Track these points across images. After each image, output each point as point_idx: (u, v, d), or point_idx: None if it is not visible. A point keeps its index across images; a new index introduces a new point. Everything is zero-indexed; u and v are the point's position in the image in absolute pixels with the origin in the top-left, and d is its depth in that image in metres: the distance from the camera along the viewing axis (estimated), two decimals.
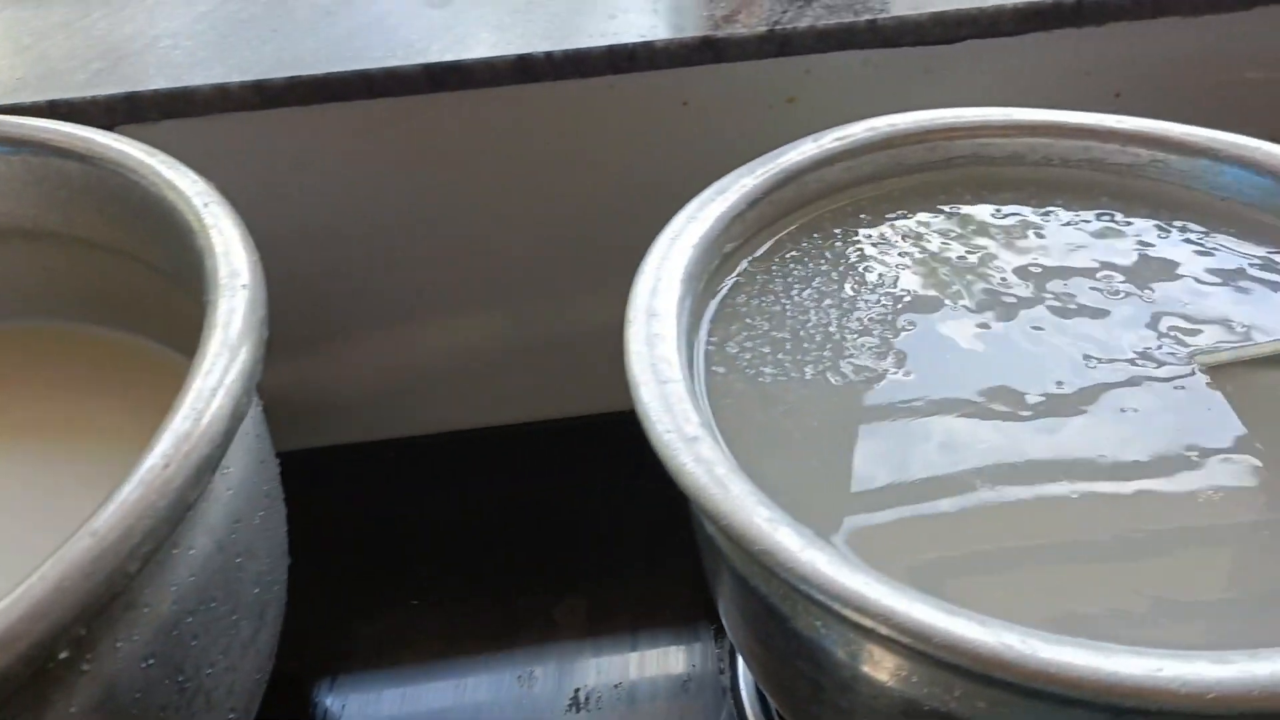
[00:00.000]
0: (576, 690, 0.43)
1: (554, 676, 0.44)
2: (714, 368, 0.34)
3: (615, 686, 0.43)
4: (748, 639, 0.33)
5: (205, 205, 0.34)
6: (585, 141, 0.46)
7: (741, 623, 0.33)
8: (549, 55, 0.43)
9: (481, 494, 0.51)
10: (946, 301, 0.36)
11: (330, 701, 0.44)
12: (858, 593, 0.25)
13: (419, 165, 0.46)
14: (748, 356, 0.34)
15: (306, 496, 0.51)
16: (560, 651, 0.45)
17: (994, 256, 0.38)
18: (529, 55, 0.43)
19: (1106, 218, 0.39)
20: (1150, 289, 0.36)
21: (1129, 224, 0.39)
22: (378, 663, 0.45)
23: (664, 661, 0.44)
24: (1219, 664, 0.23)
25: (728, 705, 0.42)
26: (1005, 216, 0.39)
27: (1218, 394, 0.32)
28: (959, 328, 0.35)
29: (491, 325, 0.52)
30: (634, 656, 0.44)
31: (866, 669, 0.28)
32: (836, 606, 0.25)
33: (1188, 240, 0.38)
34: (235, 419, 0.28)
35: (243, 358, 0.30)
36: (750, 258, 0.38)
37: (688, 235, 0.36)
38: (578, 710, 0.43)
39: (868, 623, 0.25)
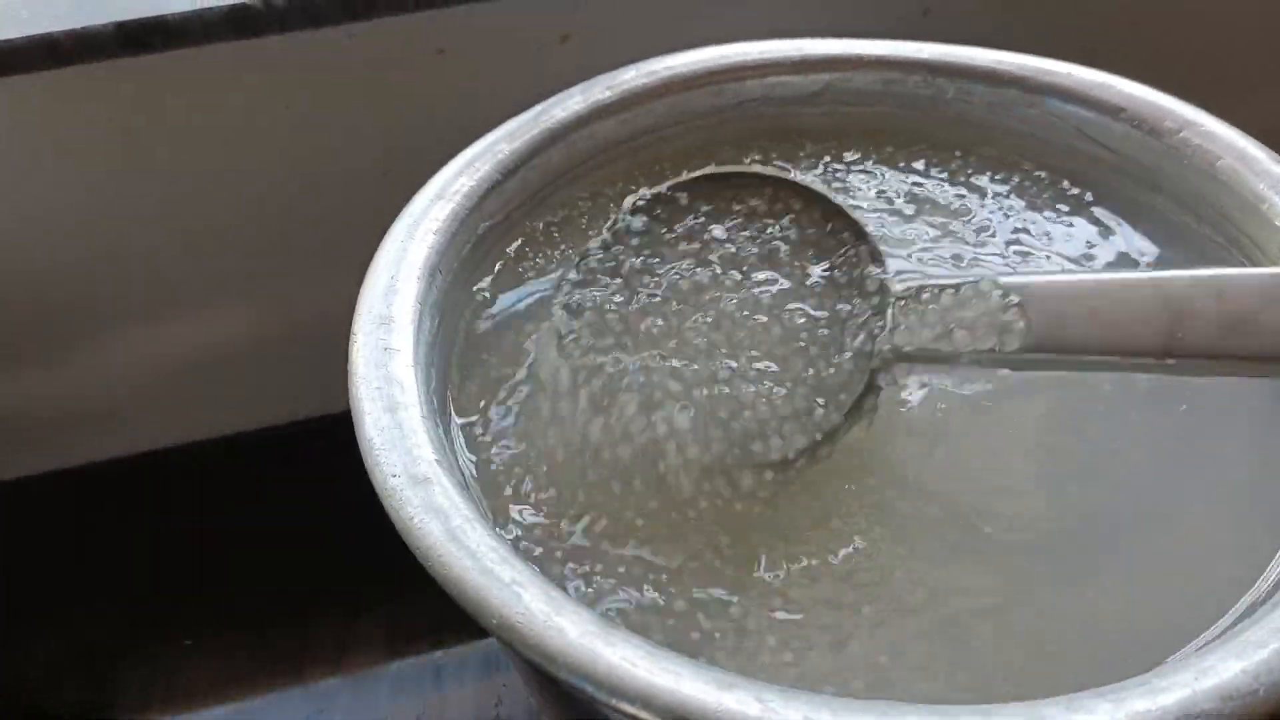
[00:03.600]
0: None
1: (349, 712, 0.39)
2: (468, 382, 0.29)
3: (418, 718, 0.39)
4: (532, 692, 0.29)
5: None
6: (323, 105, 0.40)
7: (523, 677, 0.29)
8: (268, 3, 0.36)
9: (243, 510, 0.45)
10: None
11: None
12: (612, 674, 0.21)
13: (121, 145, 0.39)
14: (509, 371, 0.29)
15: (30, 530, 0.45)
16: (356, 683, 0.40)
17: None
18: (245, 3, 0.36)
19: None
20: None
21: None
22: (145, 713, 0.40)
23: (472, 686, 0.40)
24: None
25: None
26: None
27: None
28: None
29: (227, 322, 0.46)
30: (438, 682, 0.40)
31: None
32: (590, 690, 0.21)
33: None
34: None
35: None
36: (515, 240, 0.33)
37: (430, 219, 0.30)
38: None
39: (628, 708, 0.20)
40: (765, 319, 0.27)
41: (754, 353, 0.27)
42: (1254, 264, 0.31)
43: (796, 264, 0.28)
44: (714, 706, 0.20)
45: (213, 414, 0.48)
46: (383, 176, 0.43)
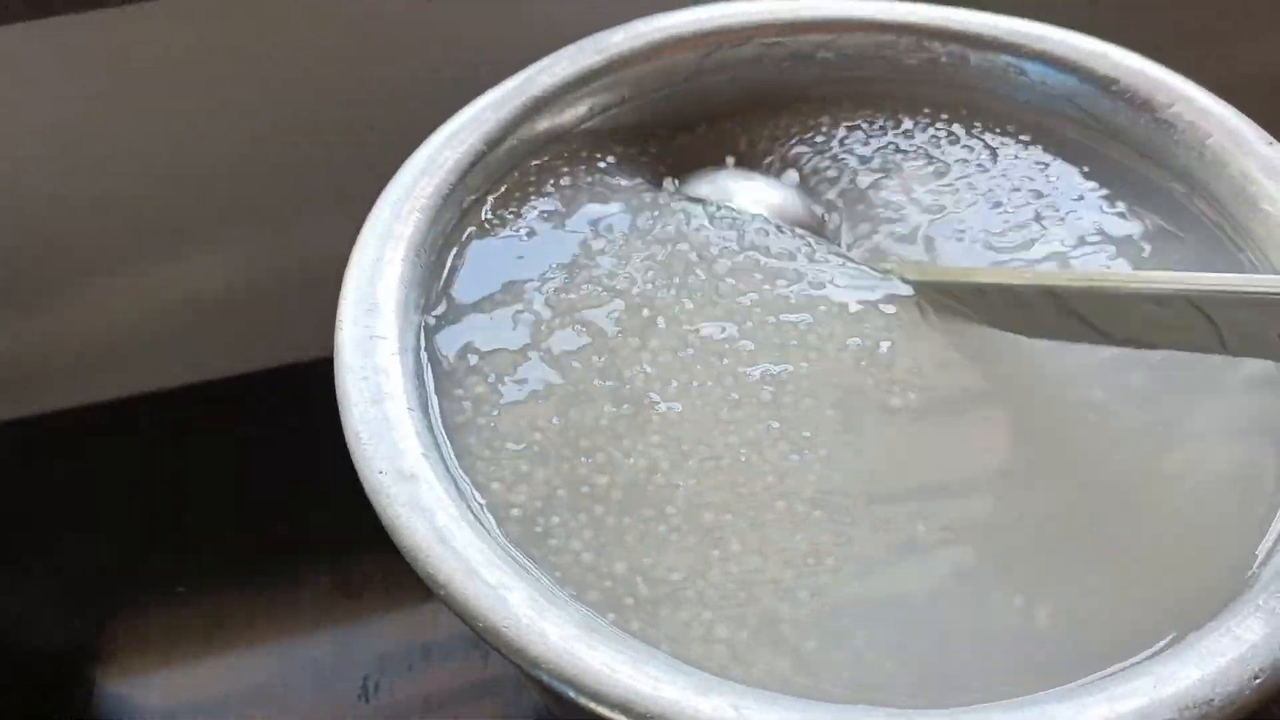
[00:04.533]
0: (365, 677, 0.40)
1: (341, 661, 0.40)
2: (446, 362, 0.29)
3: (409, 669, 0.40)
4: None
5: None
6: (306, 51, 0.39)
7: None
8: None
9: (229, 455, 0.46)
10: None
11: (93, 704, 0.40)
12: (594, 680, 0.21)
13: (100, 92, 0.39)
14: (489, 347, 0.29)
15: (13, 475, 0.45)
16: (349, 631, 0.41)
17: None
18: None
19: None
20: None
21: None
22: (144, 660, 0.41)
23: (463, 635, 0.41)
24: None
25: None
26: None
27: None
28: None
29: (206, 269, 0.45)
30: (429, 632, 0.41)
31: None
32: (572, 694, 0.21)
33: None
34: None
35: None
36: (487, 214, 0.32)
37: (416, 197, 0.30)
38: (367, 700, 0.39)
39: (608, 713, 0.21)
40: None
41: None
42: (1236, 248, 0.31)
43: None
44: (690, 712, 0.21)
45: (198, 358, 0.48)
46: (367, 126, 0.42)
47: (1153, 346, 0.26)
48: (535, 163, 0.33)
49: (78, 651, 0.42)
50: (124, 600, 0.42)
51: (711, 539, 0.25)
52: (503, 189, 0.33)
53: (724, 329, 0.29)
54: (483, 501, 0.26)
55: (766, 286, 0.30)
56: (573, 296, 0.30)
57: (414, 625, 0.41)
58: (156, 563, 0.44)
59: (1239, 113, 0.32)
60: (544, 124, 0.33)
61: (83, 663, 0.41)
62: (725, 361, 0.28)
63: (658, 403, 0.28)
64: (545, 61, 0.34)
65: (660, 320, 0.29)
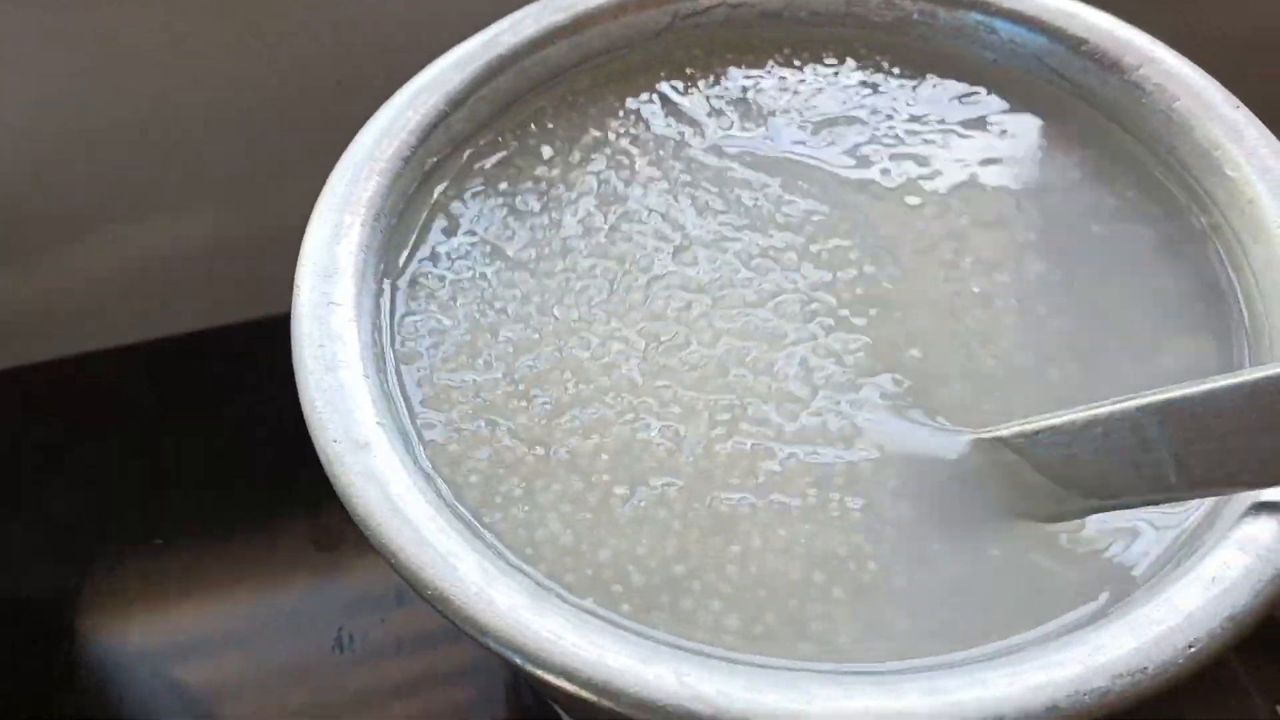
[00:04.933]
0: (340, 628, 0.40)
1: (316, 612, 0.41)
2: (409, 325, 0.29)
3: (381, 621, 0.41)
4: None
5: None
6: (277, 11, 0.39)
7: None
8: None
9: (206, 407, 0.46)
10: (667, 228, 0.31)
11: (72, 653, 0.41)
12: (539, 648, 0.22)
13: (84, 55, 0.38)
14: (459, 305, 0.29)
15: None
16: (324, 583, 0.42)
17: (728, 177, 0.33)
18: None
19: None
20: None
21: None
22: (122, 611, 0.42)
23: None
24: (930, 695, 0.21)
25: None
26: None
27: None
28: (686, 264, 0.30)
29: (184, 227, 0.46)
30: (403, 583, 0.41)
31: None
32: (519, 661, 0.22)
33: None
34: None
35: None
36: (452, 178, 0.32)
37: (375, 160, 0.30)
38: (341, 650, 0.40)
39: (553, 680, 0.22)
40: None
41: None
42: (1203, 211, 0.31)
43: None
44: (634, 679, 0.21)
45: (176, 312, 0.48)
46: (336, 85, 0.42)
47: (1110, 506, 0.25)
48: (500, 122, 0.33)
49: (57, 601, 0.42)
50: (102, 551, 0.43)
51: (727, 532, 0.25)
52: (467, 149, 0.32)
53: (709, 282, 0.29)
54: (438, 467, 0.26)
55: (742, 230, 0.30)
56: (536, 253, 0.30)
57: (388, 577, 0.42)
58: (134, 514, 0.44)
59: (1206, 75, 0.31)
60: (508, 83, 0.33)
61: (63, 612, 0.42)
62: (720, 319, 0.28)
63: (644, 373, 0.28)
64: (510, 19, 0.33)
65: (641, 278, 0.29)
